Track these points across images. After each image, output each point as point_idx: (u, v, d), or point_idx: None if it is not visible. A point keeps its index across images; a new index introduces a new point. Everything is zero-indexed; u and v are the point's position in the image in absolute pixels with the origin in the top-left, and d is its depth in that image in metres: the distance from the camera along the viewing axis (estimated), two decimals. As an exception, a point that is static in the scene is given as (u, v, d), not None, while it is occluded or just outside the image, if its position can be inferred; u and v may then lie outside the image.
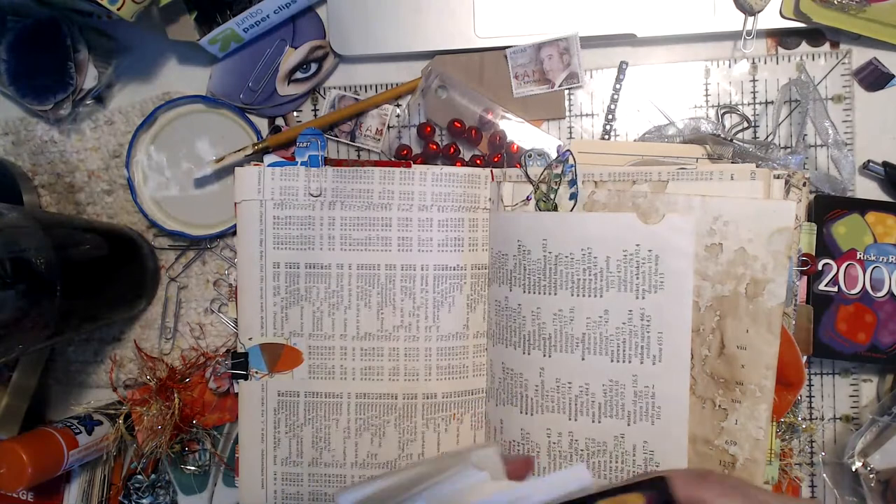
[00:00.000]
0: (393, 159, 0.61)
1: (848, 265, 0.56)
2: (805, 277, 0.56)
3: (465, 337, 0.58)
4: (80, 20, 0.61)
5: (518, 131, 0.60)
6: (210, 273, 0.63)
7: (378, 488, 0.41)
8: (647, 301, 0.53)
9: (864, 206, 0.56)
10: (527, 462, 0.50)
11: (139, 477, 0.63)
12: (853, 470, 0.56)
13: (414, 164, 0.58)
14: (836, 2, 0.56)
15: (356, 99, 0.62)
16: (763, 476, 0.53)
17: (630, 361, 0.54)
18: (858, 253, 0.56)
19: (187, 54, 0.62)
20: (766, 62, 0.60)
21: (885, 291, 0.56)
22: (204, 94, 0.62)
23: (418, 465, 0.44)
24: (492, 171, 0.58)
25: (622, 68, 0.60)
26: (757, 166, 0.54)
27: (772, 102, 0.60)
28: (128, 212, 0.63)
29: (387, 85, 0.62)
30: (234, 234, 0.60)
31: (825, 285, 0.56)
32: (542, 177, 0.56)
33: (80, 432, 0.58)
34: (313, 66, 0.61)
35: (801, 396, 0.58)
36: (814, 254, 0.56)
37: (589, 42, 0.59)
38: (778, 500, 0.39)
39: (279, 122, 0.63)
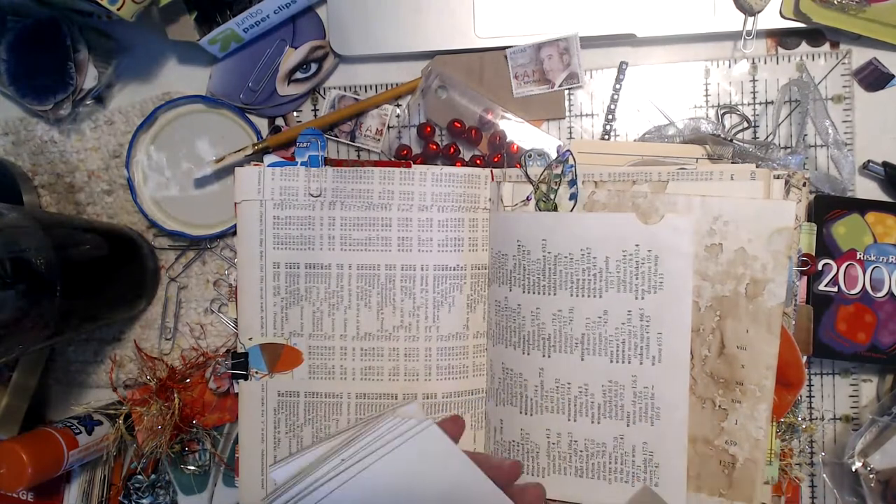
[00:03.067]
0: (393, 159, 0.61)
1: (848, 265, 0.56)
2: (805, 277, 0.56)
3: (464, 337, 0.58)
4: (80, 20, 0.61)
5: (518, 131, 0.60)
6: (210, 273, 0.63)
7: (309, 459, 0.42)
8: (647, 301, 0.53)
9: (863, 207, 0.56)
10: (454, 420, 0.53)
11: (139, 477, 0.63)
12: (853, 470, 0.56)
13: (414, 164, 0.58)
14: (836, 2, 0.56)
15: (356, 99, 0.62)
16: (763, 476, 0.53)
17: (629, 362, 0.54)
18: (858, 253, 0.56)
19: (187, 54, 0.62)
20: (766, 62, 0.60)
21: (884, 291, 0.56)
22: (204, 94, 0.62)
23: (343, 431, 0.45)
24: (492, 171, 0.58)
25: (622, 68, 0.60)
26: (757, 166, 0.54)
27: (772, 102, 0.60)
28: (128, 212, 0.63)
29: (387, 85, 0.62)
30: (234, 234, 0.60)
31: (825, 285, 0.56)
32: (542, 177, 0.56)
33: (80, 432, 0.58)
34: (313, 66, 0.61)
35: (800, 396, 0.58)
36: (814, 254, 0.56)
37: (589, 42, 0.59)
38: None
39: (279, 122, 0.63)
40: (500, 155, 0.59)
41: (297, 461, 0.42)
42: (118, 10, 0.53)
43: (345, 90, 0.62)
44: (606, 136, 0.61)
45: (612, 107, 0.60)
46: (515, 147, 0.59)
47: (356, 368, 0.58)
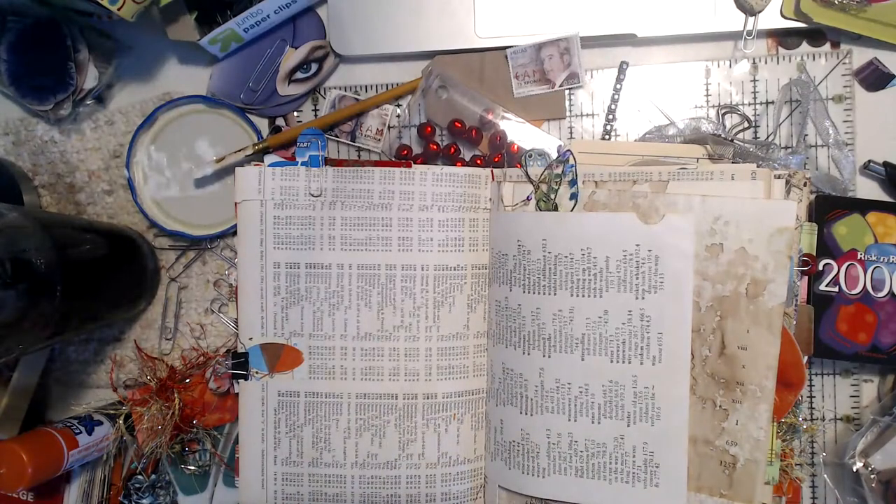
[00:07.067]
0: (393, 159, 0.61)
1: (849, 265, 0.56)
2: (806, 278, 0.56)
3: (465, 337, 0.58)
4: (81, 20, 0.61)
5: (518, 131, 0.60)
6: (210, 273, 0.63)
7: None
8: (647, 301, 0.53)
9: (864, 207, 0.56)
10: None
11: (139, 477, 0.63)
12: (854, 470, 0.56)
13: (414, 164, 0.58)
14: (836, 2, 0.56)
15: (356, 99, 0.62)
16: (764, 476, 0.53)
17: (630, 362, 0.54)
18: (859, 253, 0.56)
19: (187, 54, 0.62)
20: (766, 62, 0.60)
21: (885, 292, 0.56)
22: (204, 94, 0.62)
23: None
24: (492, 171, 0.58)
25: (622, 68, 0.60)
26: (758, 166, 0.54)
27: (772, 102, 0.60)
28: (128, 212, 0.63)
29: (387, 85, 0.62)
30: (235, 234, 0.60)
31: (826, 285, 0.56)
32: (543, 177, 0.56)
33: (80, 432, 0.58)
34: (313, 66, 0.61)
35: (801, 397, 0.58)
36: (814, 254, 0.56)
37: (589, 42, 0.59)
38: None
39: (279, 122, 0.63)
40: (501, 155, 0.59)
41: None
42: (118, 10, 0.53)
43: (345, 90, 0.62)
44: (607, 136, 0.61)
45: (613, 107, 0.60)
46: (516, 147, 0.59)
47: (356, 368, 0.58)
